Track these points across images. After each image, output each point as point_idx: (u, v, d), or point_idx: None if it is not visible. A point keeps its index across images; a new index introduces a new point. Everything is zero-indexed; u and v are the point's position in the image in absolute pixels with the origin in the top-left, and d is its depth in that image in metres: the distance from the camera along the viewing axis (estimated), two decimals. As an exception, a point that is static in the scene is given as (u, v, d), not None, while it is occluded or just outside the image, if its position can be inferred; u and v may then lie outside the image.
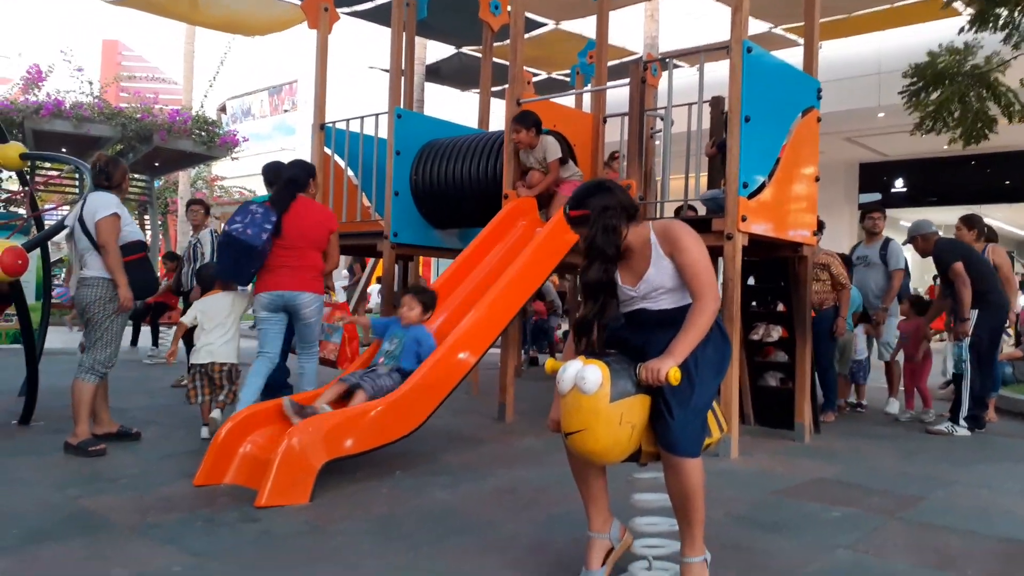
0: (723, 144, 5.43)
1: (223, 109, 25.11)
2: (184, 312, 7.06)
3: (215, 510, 3.44)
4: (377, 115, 6.78)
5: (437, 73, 14.14)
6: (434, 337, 4.69)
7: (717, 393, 2.70)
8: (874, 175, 18.20)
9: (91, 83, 12.58)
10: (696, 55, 5.46)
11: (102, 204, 4.56)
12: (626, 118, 5.93)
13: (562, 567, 2.70)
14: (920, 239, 6.32)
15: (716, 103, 5.88)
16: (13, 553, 2.84)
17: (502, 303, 4.89)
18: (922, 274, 17.48)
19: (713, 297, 2.41)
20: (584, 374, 2.30)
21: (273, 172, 5.27)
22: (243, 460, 3.88)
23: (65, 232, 4.86)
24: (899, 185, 18.06)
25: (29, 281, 6.94)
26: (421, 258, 10.83)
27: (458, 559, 2.91)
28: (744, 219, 4.79)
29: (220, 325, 5.04)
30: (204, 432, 4.87)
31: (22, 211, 12.35)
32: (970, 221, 6.63)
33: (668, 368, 2.28)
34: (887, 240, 6.96)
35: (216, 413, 4.91)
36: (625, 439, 2.35)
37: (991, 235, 6.91)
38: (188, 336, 5.70)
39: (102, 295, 4.58)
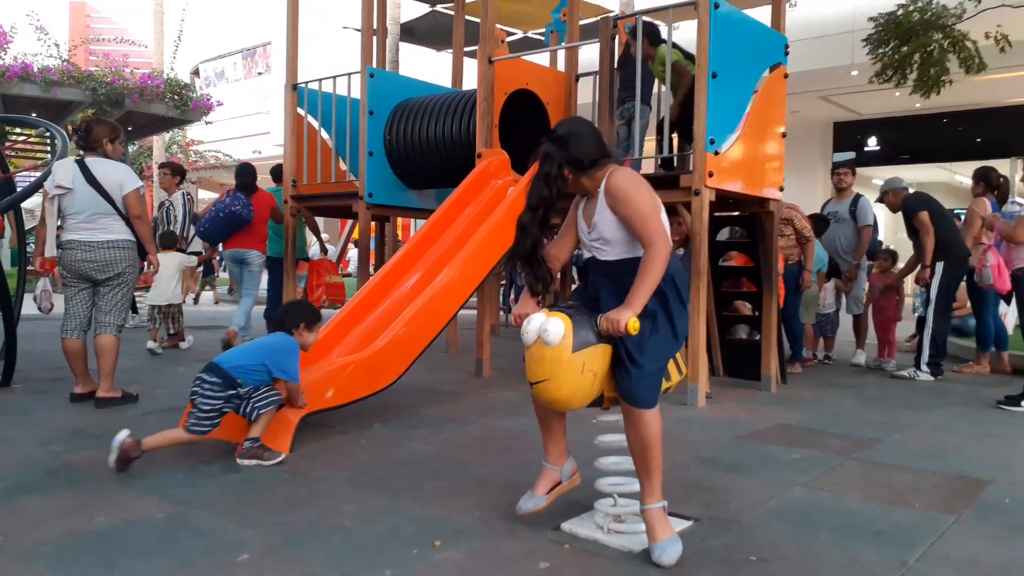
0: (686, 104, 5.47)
1: (196, 73, 24.70)
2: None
3: (197, 462, 3.54)
4: (350, 75, 6.77)
5: (412, 32, 14.01)
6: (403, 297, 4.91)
7: (686, 342, 2.80)
8: (848, 134, 18.33)
9: (57, 45, 12.36)
10: (666, 13, 5.50)
11: (126, 176, 4.75)
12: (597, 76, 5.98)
13: (531, 506, 2.83)
14: (891, 194, 6.61)
15: (686, 60, 5.92)
16: (1, 505, 2.93)
17: (475, 261, 4.97)
18: (896, 231, 17.74)
19: (664, 242, 2.43)
20: (547, 326, 2.38)
21: (244, 171, 7.15)
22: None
23: (57, 193, 4.65)
24: (873, 143, 18.22)
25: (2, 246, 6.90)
26: (400, 220, 10.88)
27: (433, 501, 3.03)
28: (711, 175, 4.88)
29: (172, 277, 7.00)
30: (151, 345, 7.03)
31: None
32: (975, 175, 6.66)
33: (627, 319, 2.34)
34: (857, 196, 7.12)
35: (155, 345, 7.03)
36: (587, 387, 2.45)
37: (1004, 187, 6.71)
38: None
39: (134, 257, 4.80)
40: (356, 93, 6.79)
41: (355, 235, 9.38)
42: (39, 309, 8.37)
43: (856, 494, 3.20)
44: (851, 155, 18.37)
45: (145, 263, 4.98)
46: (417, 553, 2.52)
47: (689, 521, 2.79)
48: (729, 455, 3.79)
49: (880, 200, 6.85)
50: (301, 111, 7.08)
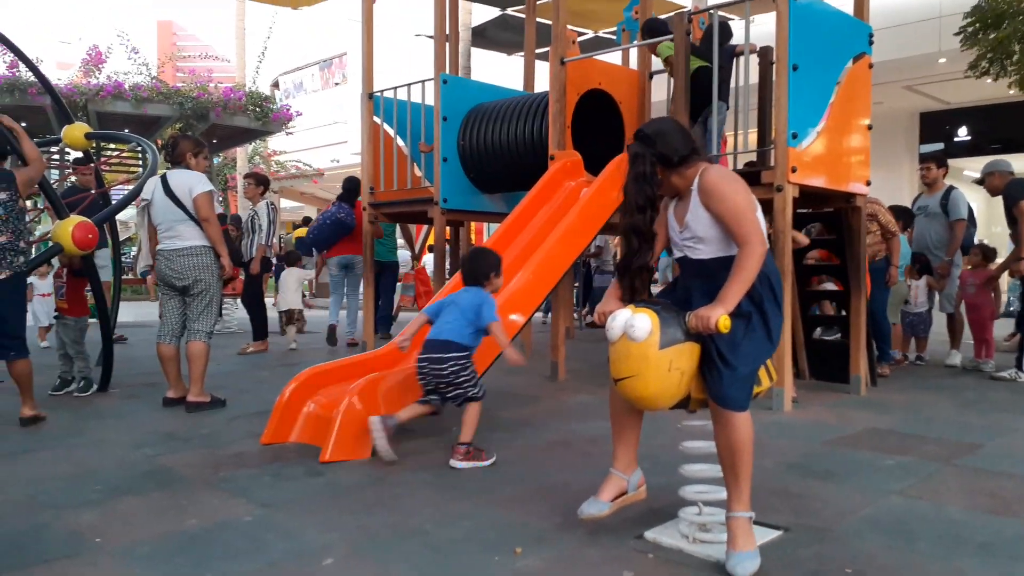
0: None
1: (276, 85, 25.45)
2: (246, 282, 7.38)
3: (282, 465, 3.62)
4: (423, 82, 6.84)
5: (483, 35, 14.06)
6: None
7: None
8: (936, 124, 17.53)
9: (147, 64, 12.90)
10: (742, 6, 5.36)
11: (197, 180, 4.92)
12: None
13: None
14: (997, 176, 6.29)
15: (764, 54, 5.76)
16: (97, 506, 3.05)
17: (549, 264, 4.94)
18: (991, 226, 16.91)
19: (759, 241, 2.37)
20: (633, 322, 2.33)
21: (349, 181, 8.10)
22: (307, 419, 4.05)
23: (142, 205, 5.01)
24: (962, 134, 17.38)
25: (106, 266, 7.10)
26: (473, 224, 10.95)
27: (512, 506, 3.02)
28: (794, 170, 4.73)
29: (294, 288, 8.19)
30: (292, 345, 8.03)
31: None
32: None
33: (718, 316, 2.27)
34: (949, 189, 6.79)
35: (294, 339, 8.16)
36: (674, 386, 2.38)
37: None
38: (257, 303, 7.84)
39: (209, 263, 4.92)
40: (430, 100, 6.86)
41: (430, 240, 9.53)
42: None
43: (957, 503, 3.04)
44: (939, 146, 17.63)
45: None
46: (499, 560, 2.50)
47: (779, 530, 2.69)
48: (818, 461, 3.65)
49: (980, 182, 6.50)
50: (377, 119, 7.19)
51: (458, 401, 3.76)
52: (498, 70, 13.74)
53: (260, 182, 7.71)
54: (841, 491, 3.18)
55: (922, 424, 4.45)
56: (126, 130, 11.86)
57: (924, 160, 6.99)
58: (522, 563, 2.48)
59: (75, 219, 4.77)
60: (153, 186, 4.94)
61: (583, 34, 13.05)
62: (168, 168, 5.05)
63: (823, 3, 5.14)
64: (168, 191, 4.86)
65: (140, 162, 11.92)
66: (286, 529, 2.80)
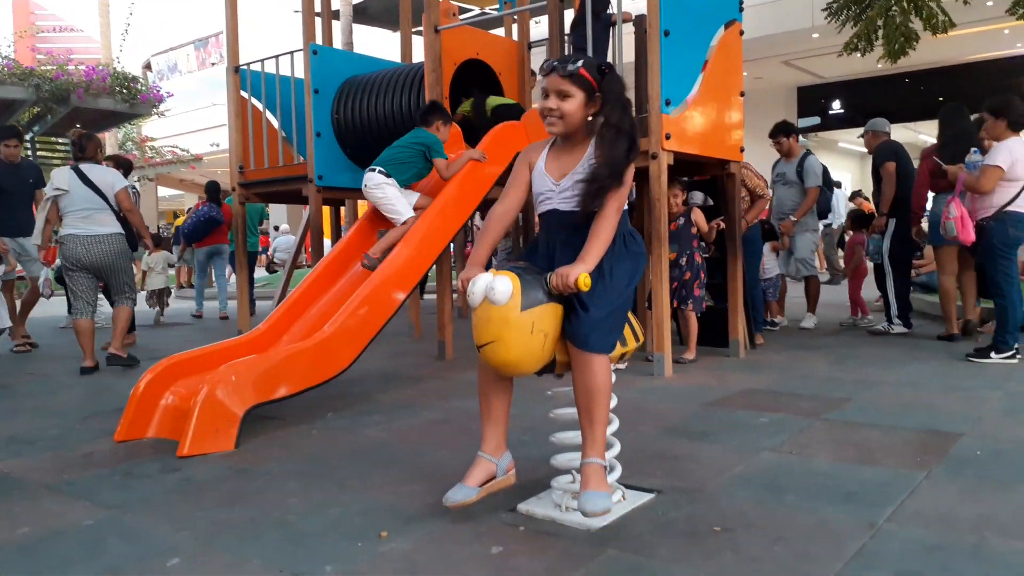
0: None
1: (148, 67, 24.06)
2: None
3: (135, 463, 3.34)
4: (292, 53, 6.51)
5: (365, 13, 13.69)
6: (354, 280, 4.66)
7: (635, 306, 2.66)
8: (812, 98, 18.31)
9: (-6, 41, 11.85)
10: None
11: (117, 177, 5.73)
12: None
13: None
14: (870, 135, 6.53)
15: (639, 22, 5.74)
16: (-85, 520, 2.72)
17: (428, 239, 4.79)
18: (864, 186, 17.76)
19: (619, 202, 2.37)
20: (494, 285, 2.26)
21: (211, 188, 9.82)
22: (165, 412, 3.77)
23: (54, 194, 5.56)
24: (836, 107, 18.21)
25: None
26: (360, 203, 10.65)
27: (383, 491, 2.87)
28: (668, 137, 4.73)
29: (163, 268, 9.39)
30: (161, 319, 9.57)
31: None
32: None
33: (578, 274, 2.24)
34: (804, 156, 6.82)
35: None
36: (538, 348, 2.31)
37: None
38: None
39: (124, 248, 5.72)
40: (300, 73, 6.55)
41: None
42: (42, 295, 8.58)
43: (825, 455, 3.09)
44: (816, 120, 18.43)
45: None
46: (362, 546, 2.35)
47: (651, 493, 2.65)
48: (695, 423, 3.66)
49: (862, 136, 6.73)
50: (244, 94, 6.81)
51: None
52: (382, 47, 13.39)
53: (120, 165, 7.21)
54: (715, 451, 3.19)
55: (796, 382, 4.56)
56: (-26, 115, 10.91)
57: (773, 135, 6.91)
58: (387, 547, 2.34)
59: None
60: (68, 178, 5.54)
61: (469, 10, 12.87)
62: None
63: (692, -31, 5.14)
64: (88, 182, 5.54)
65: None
66: (131, 531, 2.56)
